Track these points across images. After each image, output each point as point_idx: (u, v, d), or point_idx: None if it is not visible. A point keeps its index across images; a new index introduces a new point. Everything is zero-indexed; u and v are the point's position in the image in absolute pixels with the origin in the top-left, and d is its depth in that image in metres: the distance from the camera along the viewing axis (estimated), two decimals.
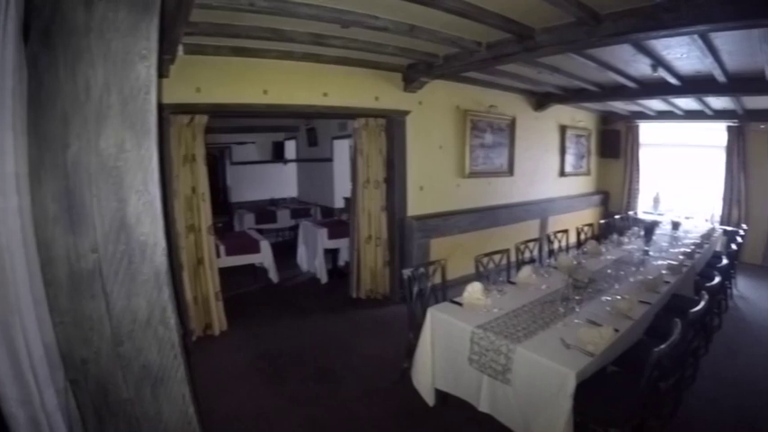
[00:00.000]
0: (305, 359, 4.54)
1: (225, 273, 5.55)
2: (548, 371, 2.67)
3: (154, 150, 1.76)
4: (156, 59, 1.73)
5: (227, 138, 10.87)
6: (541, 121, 8.44)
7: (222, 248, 6.16)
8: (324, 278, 7.00)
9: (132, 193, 1.72)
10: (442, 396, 3.45)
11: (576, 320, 3.22)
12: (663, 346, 2.57)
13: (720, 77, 5.54)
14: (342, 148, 9.49)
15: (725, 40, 4.31)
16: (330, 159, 9.80)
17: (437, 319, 3.36)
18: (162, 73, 3.87)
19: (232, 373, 4.29)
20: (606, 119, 10.51)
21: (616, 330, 3.05)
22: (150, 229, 1.77)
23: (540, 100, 8.09)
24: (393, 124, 5.93)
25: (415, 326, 3.66)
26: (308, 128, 10.45)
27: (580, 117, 9.67)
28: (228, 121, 9.45)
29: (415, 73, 5.70)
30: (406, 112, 5.96)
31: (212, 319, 5.01)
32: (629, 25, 3.61)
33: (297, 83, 5.11)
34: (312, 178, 11.05)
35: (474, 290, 3.52)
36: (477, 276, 4.20)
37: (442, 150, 6.58)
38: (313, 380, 4.15)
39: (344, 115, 6.21)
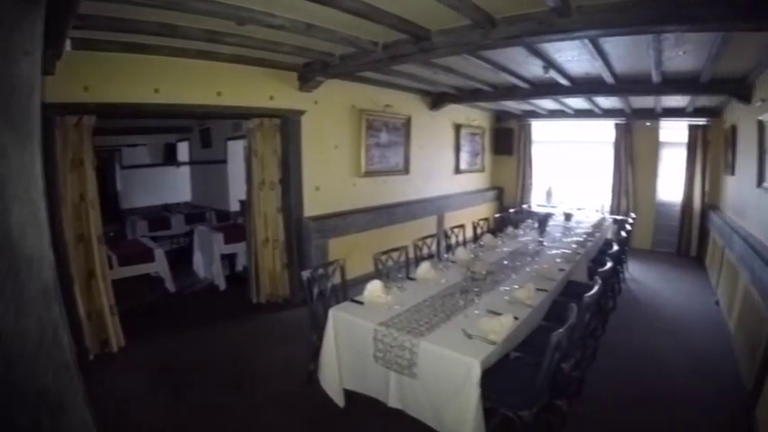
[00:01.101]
0: (209, 370, 4.39)
1: (119, 285, 5.22)
2: (453, 362, 2.75)
3: (38, 155, 1.61)
4: (40, 55, 1.59)
5: (117, 140, 10.24)
6: (437, 120, 8.69)
7: (114, 259, 5.79)
8: (222, 284, 6.79)
9: (15, 202, 1.56)
10: (351, 396, 3.45)
11: (476, 311, 3.34)
12: (561, 330, 2.72)
13: (609, 79, 5.96)
14: (236, 150, 9.19)
15: (614, 44, 4.64)
16: (224, 161, 9.51)
17: (339, 320, 3.36)
18: (46, 70, 3.57)
19: (134, 391, 4.05)
20: (500, 117, 11.05)
21: (516, 318, 3.20)
22: (36, 241, 1.61)
23: (436, 99, 8.30)
24: (288, 124, 5.86)
25: (318, 327, 3.63)
26: (202, 128, 10.10)
27: (474, 116, 10.08)
28: (118, 122, 8.97)
29: (311, 72, 5.67)
30: (302, 112, 5.91)
31: (109, 334, 4.68)
32: (523, 29, 3.77)
33: (190, 81, 4.94)
34: (206, 181, 10.66)
35: (374, 288, 3.55)
36: (377, 274, 4.23)
37: (338, 150, 6.59)
38: (220, 391, 4.01)
39: (239, 115, 6.05)
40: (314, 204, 6.22)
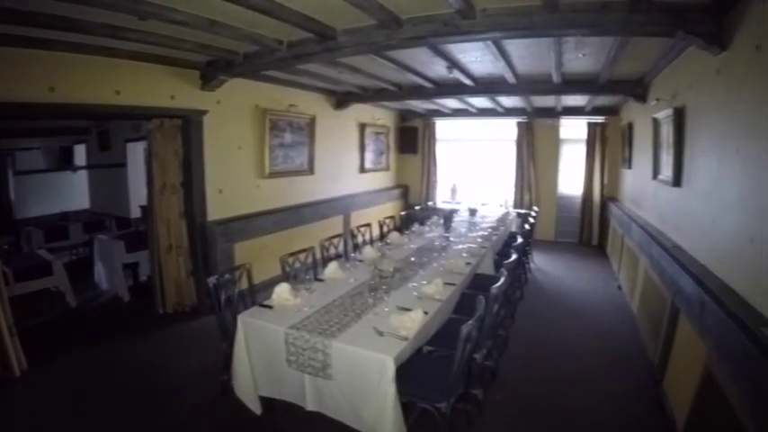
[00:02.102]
0: (120, 388, 4.10)
1: (16, 302, 4.78)
2: (366, 360, 2.74)
3: None
4: None
5: (9, 143, 9.54)
6: (342, 119, 8.63)
7: (10, 274, 5.29)
8: (126, 296, 6.41)
9: None
10: (268, 402, 3.36)
11: (386, 309, 3.34)
12: (471, 322, 2.78)
13: (511, 79, 6.14)
14: (136, 152, 8.75)
15: (516, 46, 4.76)
16: (124, 164, 9.01)
17: (249, 326, 3.25)
18: None
19: (41, 416, 3.71)
20: (404, 116, 11.16)
21: (426, 313, 3.22)
22: None
23: (341, 99, 8.25)
24: (190, 125, 5.61)
25: (228, 335, 3.50)
26: (100, 130, 9.53)
27: (379, 115, 10.11)
28: (10, 124, 8.34)
29: (214, 71, 5.46)
30: (204, 112, 5.68)
31: (9, 357, 4.21)
32: (429, 30, 3.80)
33: (88, 79, 4.61)
34: (105, 186, 10.04)
35: (282, 291, 3.47)
36: (285, 277, 4.14)
37: (242, 151, 6.38)
38: (131, 409, 3.76)
39: (139, 115, 5.71)
40: (218, 208, 5.98)
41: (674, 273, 3.98)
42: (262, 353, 3.23)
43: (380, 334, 2.92)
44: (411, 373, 2.92)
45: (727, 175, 3.30)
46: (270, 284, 3.82)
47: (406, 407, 2.80)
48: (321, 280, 4.06)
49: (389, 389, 2.65)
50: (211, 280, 3.58)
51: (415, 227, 6.59)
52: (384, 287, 3.69)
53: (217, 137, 5.91)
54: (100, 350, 4.88)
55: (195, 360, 4.53)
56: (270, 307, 3.39)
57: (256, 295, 3.98)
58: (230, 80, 5.67)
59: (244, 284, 3.97)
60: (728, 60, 3.31)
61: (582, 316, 5.88)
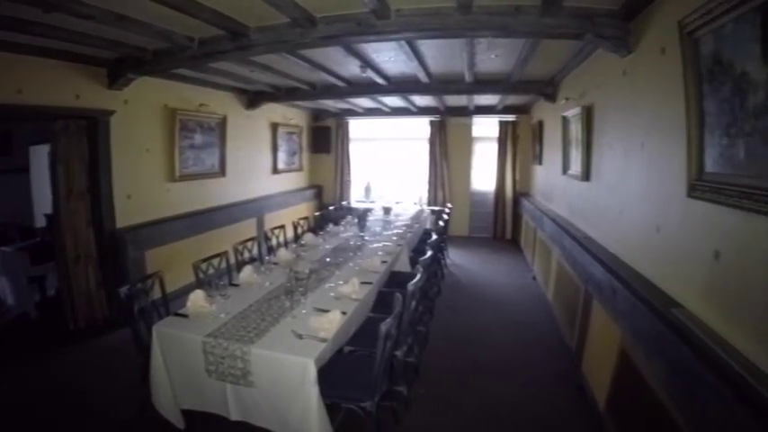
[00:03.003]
0: (31, 415, 3.74)
1: None
2: (287, 364, 2.69)
3: None
4: None
5: None
6: (253, 119, 8.42)
7: None
8: (33, 312, 5.90)
9: None
10: (191, 415, 3.18)
11: (303, 311, 3.29)
12: (389, 319, 2.79)
13: (424, 79, 6.21)
14: (40, 156, 8.07)
15: (429, 46, 4.82)
16: (26, 170, 8.30)
17: (164, 337, 3.10)
18: None
19: None
20: (317, 116, 11.06)
21: (344, 313, 3.21)
22: None
23: (253, 98, 8.06)
24: (96, 126, 5.27)
25: (144, 348, 3.30)
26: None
27: (292, 115, 9.97)
28: None
29: (122, 69, 5.15)
30: (111, 112, 5.35)
31: None
32: (343, 29, 3.78)
33: None
34: (6, 194, 9.17)
35: (197, 298, 3.33)
36: (199, 284, 3.98)
37: (150, 153, 6.05)
38: None
39: (42, 116, 5.26)
40: (127, 214, 5.66)
41: (585, 262, 4.18)
42: (180, 364, 3.09)
43: (299, 337, 2.87)
44: (333, 374, 2.91)
45: (633, 168, 3.51)
46: (184, 292, 3.66)
47: (332, 408, 2.79)
48: (236, 285, 3.92)
49: (312, 392, 2.63)
50: (123, 290, 3.36)
51: (330, 227, 6.54)
52: (300, 289, 3.61)
53: (124, 139, 5.59)
54: (6, 373, 4.43)
55: (111, 376, 4.25)
56: (185, 316, 3.24)
57: (171, 304, 3.79)
58: (139, 79, 5.37)
59: (157, 293, 3.76)
60: (634, 62, 3.51)
61: (499, 307, 6.06)
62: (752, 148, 1.94)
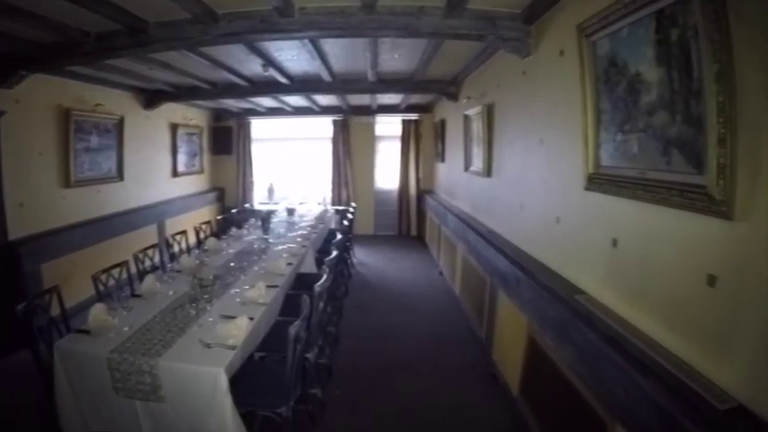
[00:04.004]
0: None
1: None
2: (197, 375, 2.61)
3: None
4: None
5: None
6: (152, 120, 7.98)
7: None
8: None
9: None
10: None
11: (210, 319, 3.19)
12: (297, 322, 2.79)
13: (327, 78, 6.17)
14: None
15: (333, 45, 4.80)
16: None
17: (67, 355, 2.89)
18: None
19: None
20: (218, 116, 10.70)
21: (251, 319, 3.15)
22: None
23: (151, 98, 7.65)
24: None
25: (46, 369, 3.05)
26: None
27: (192, 115, 9.57)
28: None
29: (13, 65, 4.72)
30: (2, 113, 4.87)
31: None
32: (245, 26, 3.68)
33: None
34: None
35: (98, 312, 3.12)
36: (99, 296, 3.77)
37: (43, 157, 5.60)
38: None
39: None
40: (19, 224, 5.18)
41: (490, 255, 4.35)
42: (86, 384, 2.89)
43: (207, 346, 2.79)
44: (246, 381, 2.86)
45: (533, 164, 3.68)
46: (85, 306, 3.53)
47: (247, 417, 2.73)
48: (139, 296, 3.72)
49: (226, 402, 2.56)
50: (19, 308, 3.08)
51: (233, 231, 6.36)
52: (206, 296, 3.53)
53: (16, 141, 5.12)
54: None
55: (13, 403, 3.85)
56: (87, 332, 3.03)
57: (71, 320, 3.53)
58: (31, 76, 4.94)
59: (56, 309, 3.48)
60: (534, 63, 3.68)
61: (408, 303, 6.15)
62: (644, 143, 2.09)
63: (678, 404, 1.64)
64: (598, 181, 2.56)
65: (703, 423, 1.52)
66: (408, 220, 10.67)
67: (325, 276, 3.68)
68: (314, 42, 4.54)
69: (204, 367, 2.60)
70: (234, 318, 3.07)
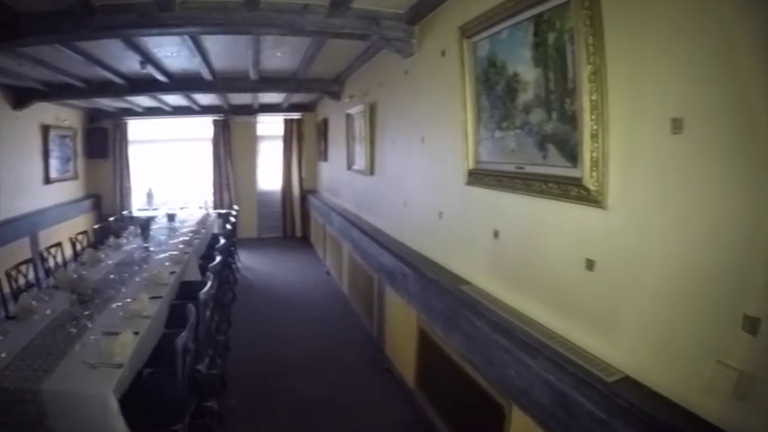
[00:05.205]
0: None
1: None
2: (84, 400, 2.42)
3: None
4: None
5: None
6: (22, 121, 7.24)
7: None
8: None
9: None
10: None
11: (93, 337, 2.98)
12: (184, 333, 2.68)
13: (208, 76, 5.96)
14: None
15: (214, 41, 4.65)
16: None
17: None
18: None
19: None
20: (93, 117, 9.89)
21: (136, 333, 2.98)
22: None
23: (21, 97, 6.99)
24: None
25: None
26: None
27: (65, 115, 8.77)
28: None
29: None
30: None
31: None
32: (124, 20, 3.47)
33: None
34: None
35: None
36: None
37: None
38: None
39: None
40: None
41: (375, 252, 4.44)
42: None
43: (93, 367, 2.60)
44: (137, 401, 2.69)
45: (415, 161, 3.80)
46: None
47: None
48: (14, 317, 3.40)
49: (118, 424, 2.41)
50: None
51: (111, 240, 5.99)
52: (86, 313, 3.32)
53: None
54: None
55: None
56: None
57: None
58: None
59: None
60: (417, 63, 3.78)
61: (297, 306, 6.12)
62: (522, 140, 2.23)
63: (569, 380, 1.77)
64: (478, 176, 2.70)
65: (593, 395, 1.65)
66: (293, 221, 10.60)
67: (209, 283, 3.58)
68: (194, 39, 4.39)
69: (91, 390, 2.42)
70: (118, 334, 2.88)
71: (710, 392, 1.38)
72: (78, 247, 5.86)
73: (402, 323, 3.88)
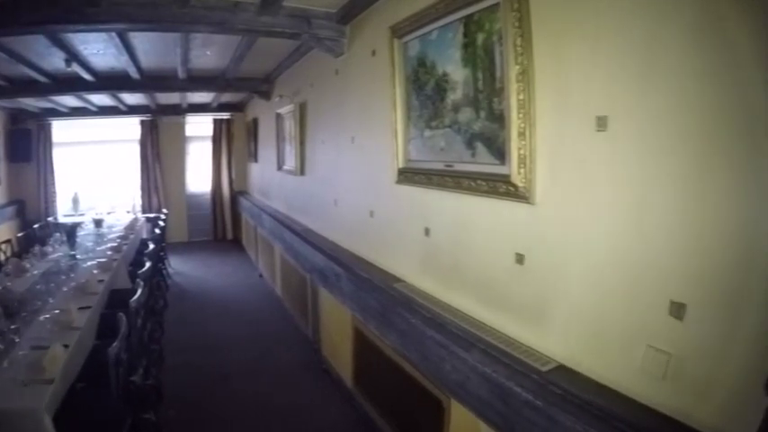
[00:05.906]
0: None
1: None
2: (16, 420, 2.29)
3: None
4: None
5: None
6: None
7: None
8: None
9: None
10: None
11: (21, 352, 2.83)
12: (116, 343, 2.62)
13: (135, 75, 5.77)
14: None
15: (142, 39, 4.50)
16: None
17: None
18: None
19: None
20: (16, 117, 9.29)
21: (66, 346, 2.85)
22: None
23: None
24: None
25: None
26: None
27: None
28: None
29: None
30: None
31: None
32: (48, 16, 3.30)
33: None
34: None
35: None
36: None
37: None
38: None
39: None
40: None
41: (307, 253, 4.43)
42: None
43: (23, 384, 2.46)
44: (71, 417, 2.57)
45: (346, 161, 3.83)
46: None
47: None
48: None
49: None
50: None
51: (37, 248, 5.64)
52: (12, 327, 3.13)
53: None
54: None
55: None
56: None
57: None
58: None
59: None
60: (347, 62, 3.79)
61: (231, 310, 6.02)
62: (451, 138, 2.29)
63: (504, 371, 1.82)
64: (408, 174, 2.74)
65: (529, 384, 1.70)
66: (224, 224, 10.40)
67: (140, 290, 3.48)
68: (122, 36, 4.25)
69: (23, 408, 2.29)
70: (47, 348, 2.75)
71: (642, 376, 1.45)
72: (2, 257, 5.55)
73: (337, 323, 3.89)
